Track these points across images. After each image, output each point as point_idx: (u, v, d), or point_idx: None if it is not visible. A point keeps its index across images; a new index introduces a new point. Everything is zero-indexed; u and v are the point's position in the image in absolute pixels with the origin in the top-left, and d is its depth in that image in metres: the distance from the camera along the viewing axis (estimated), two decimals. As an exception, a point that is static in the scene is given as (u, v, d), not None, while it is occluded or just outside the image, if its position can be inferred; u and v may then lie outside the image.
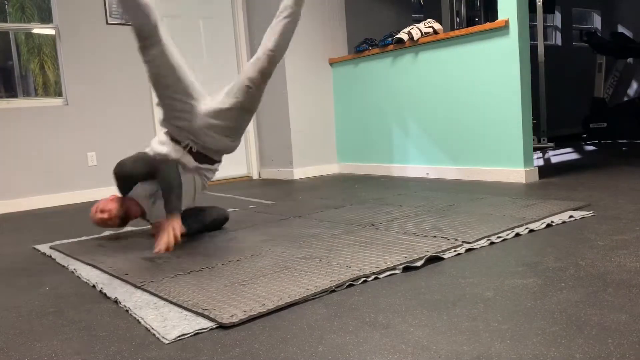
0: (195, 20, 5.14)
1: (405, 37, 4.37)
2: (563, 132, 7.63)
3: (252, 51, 5.36)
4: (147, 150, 2.62)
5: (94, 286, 1.90)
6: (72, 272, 2.12)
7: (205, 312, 1.49)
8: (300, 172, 5.10)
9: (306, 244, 2.25)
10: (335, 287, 1.65)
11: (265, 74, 2.47)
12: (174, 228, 2.21)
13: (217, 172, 2.78)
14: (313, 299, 1.59)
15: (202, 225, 2.63)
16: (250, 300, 1.57)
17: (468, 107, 4.01)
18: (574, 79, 7.85)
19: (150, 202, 2.57)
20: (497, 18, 3.74)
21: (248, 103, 2.49)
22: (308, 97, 5.15)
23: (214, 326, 1.42)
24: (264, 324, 1.42)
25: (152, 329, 1.43)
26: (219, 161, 2.68)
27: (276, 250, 2.18)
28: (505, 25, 3.64)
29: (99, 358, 1.29)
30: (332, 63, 5.23)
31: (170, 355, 1.27)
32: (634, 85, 8.18)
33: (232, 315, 1.45)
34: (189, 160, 2.53)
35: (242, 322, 1.43)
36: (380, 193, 3.63)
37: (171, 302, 1.62)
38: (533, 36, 6.23)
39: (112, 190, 4.64)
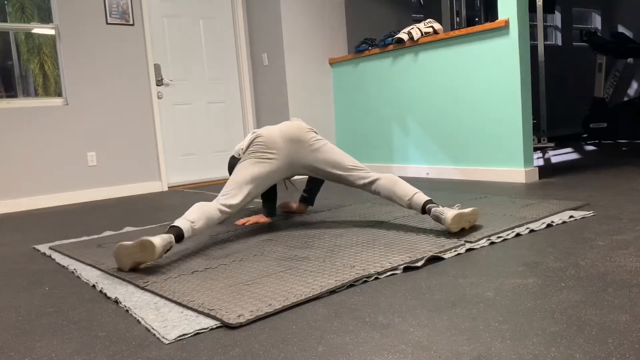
0: (195, 20, 5.15)
1: (405, 37, 4.37)
2: (563, 132, 7.63)
3: (252, 51, 5.36)
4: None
5: (94, 286, 1.90)
6: (72, 272, 2.12)
7: (212, 313, 1.48)
8: (300, 172, 5.10)
9: (308, 244, 2.25)
10: (341, 287, 1.65)
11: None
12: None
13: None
14: (318, 298, 1.59)
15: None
16: (256, 300, 1.57)
17: (468, 107, 4.01)
18: (574, 79, 7.85)
19: None
20: (497, 18, 3.74)
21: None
22: (308, 97, 5.15)
23: (214, 326, 1.42)
24: (264, 324, 1.42)
25: (152, 329, 1.43)
26: None
27: (278, 250, 2.18)
28: (505, 25, 3.64)
29: (99, 358, 1.29)
30: (332, 63, 5.23)
31: (170, 355, 1.27)
32: (634, 85, 8.18)
33: (239, 316, 1.45)
34: None
35: (249, 323, 1.43)
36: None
37: (174, 302, 1.62)
38: (533, 36, 6.23)
39: (111, 191, 4.64)
